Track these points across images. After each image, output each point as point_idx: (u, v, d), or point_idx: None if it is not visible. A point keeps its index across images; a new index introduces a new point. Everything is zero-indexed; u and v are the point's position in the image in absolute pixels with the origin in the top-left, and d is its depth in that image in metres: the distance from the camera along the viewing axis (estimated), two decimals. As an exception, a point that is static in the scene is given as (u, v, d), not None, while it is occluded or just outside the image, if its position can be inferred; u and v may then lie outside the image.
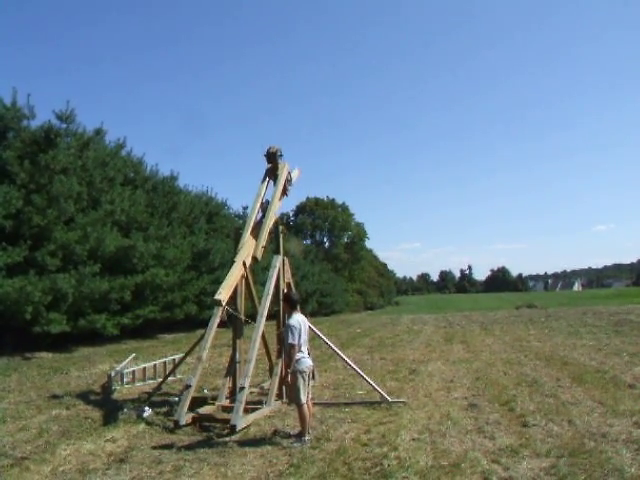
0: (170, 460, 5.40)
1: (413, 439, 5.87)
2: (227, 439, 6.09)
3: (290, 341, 6.09)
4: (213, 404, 7.51)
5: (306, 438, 5.89)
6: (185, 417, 6.68)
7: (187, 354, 8.96)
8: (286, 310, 6.62)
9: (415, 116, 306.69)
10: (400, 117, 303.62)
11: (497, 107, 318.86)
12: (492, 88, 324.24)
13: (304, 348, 6.27)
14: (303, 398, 6.04)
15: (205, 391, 8.78)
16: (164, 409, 7.68)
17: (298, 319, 6.33)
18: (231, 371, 8.09)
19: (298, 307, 6.62)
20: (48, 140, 15.34)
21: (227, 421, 6.42)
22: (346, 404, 7.71)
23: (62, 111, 16.48)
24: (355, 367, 8.33)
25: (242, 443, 5.92)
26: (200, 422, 6.77)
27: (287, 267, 8.65)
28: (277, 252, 8.54)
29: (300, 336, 6.19)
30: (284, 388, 7.98)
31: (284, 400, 7.86)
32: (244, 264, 8.08)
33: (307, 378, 6.23)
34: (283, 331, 6.58)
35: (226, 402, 7.57)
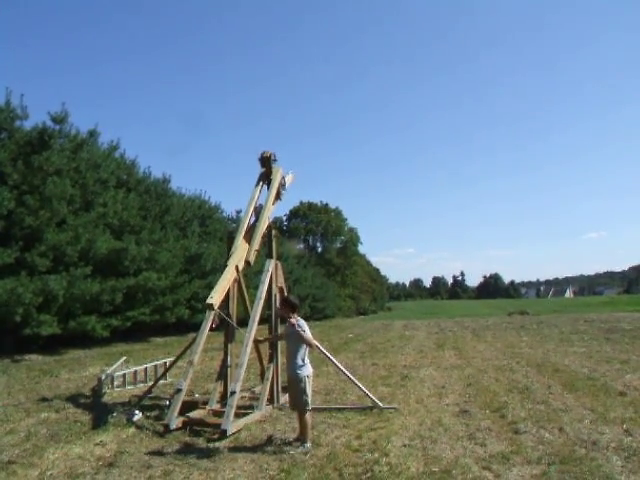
0: (160, 465, 5.36)
1: (404, 445, 5.85)
2: (217, 444, 6.05)
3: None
4: (204, 408, 7.47)
5: (308, 445, 5.85)
6: (176, 421, 6.64)
7: (178, 357, 8.92)
8: (286, 314, 6.44)
9: (410, 121, 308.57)
10: (395, 121, 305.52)
11: (491, 114, 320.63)
12: (488, 93, 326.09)
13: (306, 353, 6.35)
14: (310, 405, 6.10)
15: (196, 395, 8.72)
16: (154, 413, 7.62)
17: None
18: (222, 375, 8.07)
19: (297, 311, 6.49)
20: (42, 141, 15.28)
21: (218, 425, 6.38)
22: (337, 409, 7.68)
23: (56, 112, 16.44)
24: (347, 372, 8.30)
25: (232, 448, 5.88)
26: (191, 426, 6.72)
27: (280, 271, 8.62)
28: (270, 256, 8.52)
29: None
30: (275, 393, 7.95)
31: (275, 405, 7.81)
32: (237, 268, 8.06)
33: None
34: (287, 333, 6.45)
35: (217, 406, 7.54)
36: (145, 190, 22.23)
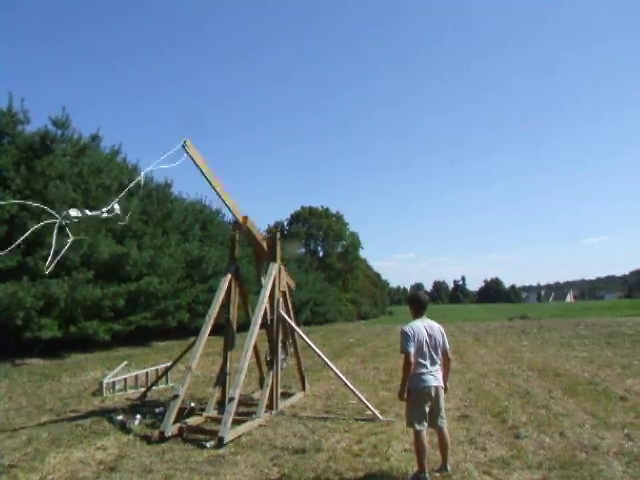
0: (161, 469, 5.36)
1: (405, 450, 5.85)
2: (219, 449, 6.04)
3: (401, 350, 5.00)
4: (201, 415, 7.37)
5: (425, 475, 4.87)
6: (171, 428, 6.49)
7: (175, 362, 8.88)
8: (411, 313, 5.36)
9: (410, 125, 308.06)
10: (395, 126, 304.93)
11: (491, 117, 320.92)
12: (488, 96, 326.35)
13: (426, 361, 5.01)
14: (416, 423, 4.98)
15: (192, 404, 8.36)
16: (156, 417, 7.61)
17: (415, 325, 5.09)
18: (220, 381, 8.00)
19: (423, 311, 5.25)
20: (44, 146, 15.34)
21: (215, 433, 6.28)
22: (336, 418, 7.49)
23: (58, 117, 16.51)
24: (347, 381, 8.09)
25: (233, 452, 5.88)
26: (187, 433, 6.56)
27: (283, 275, 8.59)
28: (273, 260, 8.48)
29: (416, 345, 4.95)
30: (275, 400, 7.84)
31: (274, 412, 7.71)
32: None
33: (427, 399, 5.01)
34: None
35: (214, 413, 7.45)
36: (147, 195, 22.28)
